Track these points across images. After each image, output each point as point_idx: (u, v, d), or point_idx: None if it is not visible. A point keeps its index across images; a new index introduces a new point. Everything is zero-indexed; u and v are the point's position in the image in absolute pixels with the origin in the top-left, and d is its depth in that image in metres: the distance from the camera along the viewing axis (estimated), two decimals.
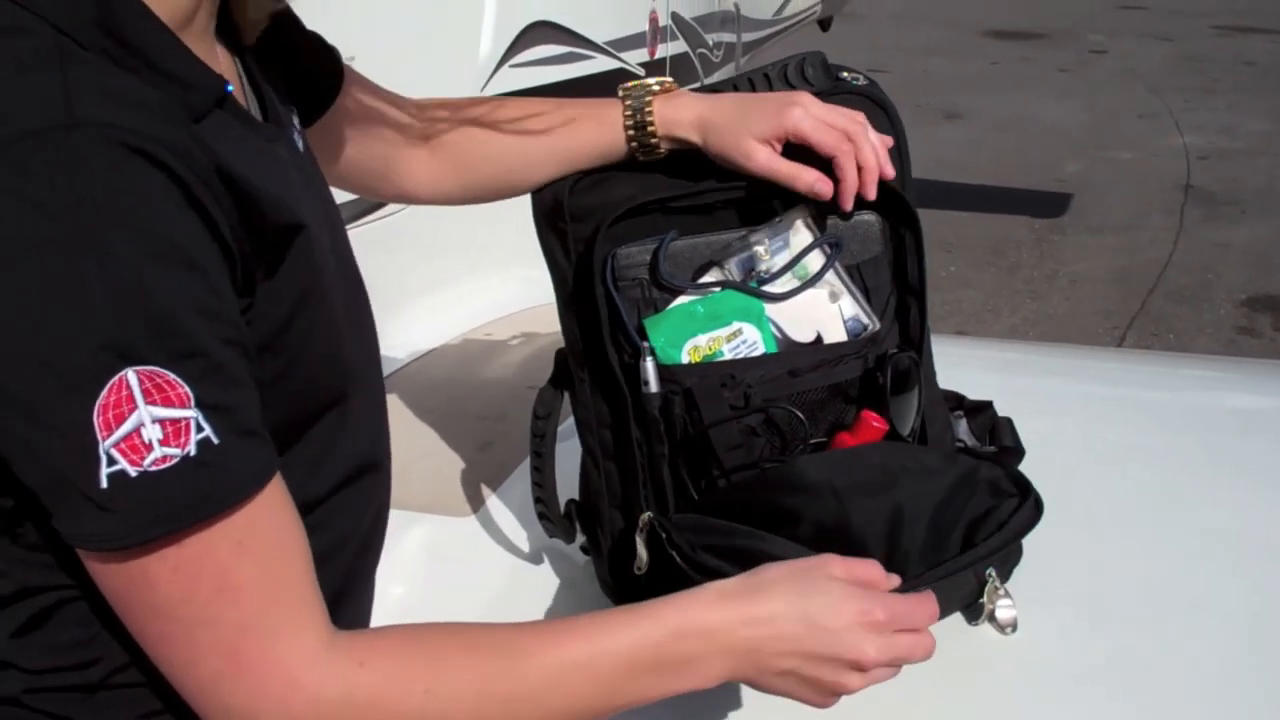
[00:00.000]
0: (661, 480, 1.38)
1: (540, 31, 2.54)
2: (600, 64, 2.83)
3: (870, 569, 1.12)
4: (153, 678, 1.02)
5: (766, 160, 1.35)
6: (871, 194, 1.36)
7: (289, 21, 1.27)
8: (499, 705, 1.02)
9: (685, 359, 1.35)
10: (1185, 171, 9.27)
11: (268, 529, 0.95)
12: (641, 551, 1.34)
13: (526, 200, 1.48)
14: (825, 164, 1.36)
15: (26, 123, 0.85)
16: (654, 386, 1.35)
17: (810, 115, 1.35)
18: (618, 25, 2.97)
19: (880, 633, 1.06)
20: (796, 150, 1.36)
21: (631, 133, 1.39)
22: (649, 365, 1.35)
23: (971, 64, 12.28)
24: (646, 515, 1.35)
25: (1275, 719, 1.39)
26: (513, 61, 2.45)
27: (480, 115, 1.48)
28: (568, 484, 1.54)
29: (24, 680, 1.04)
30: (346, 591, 1.18)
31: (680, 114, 1.38)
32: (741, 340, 1.36)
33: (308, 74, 1.32)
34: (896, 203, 1.40)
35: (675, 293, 1.37)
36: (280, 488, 0.95)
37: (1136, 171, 9.24)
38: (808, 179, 1.35)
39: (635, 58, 3.06)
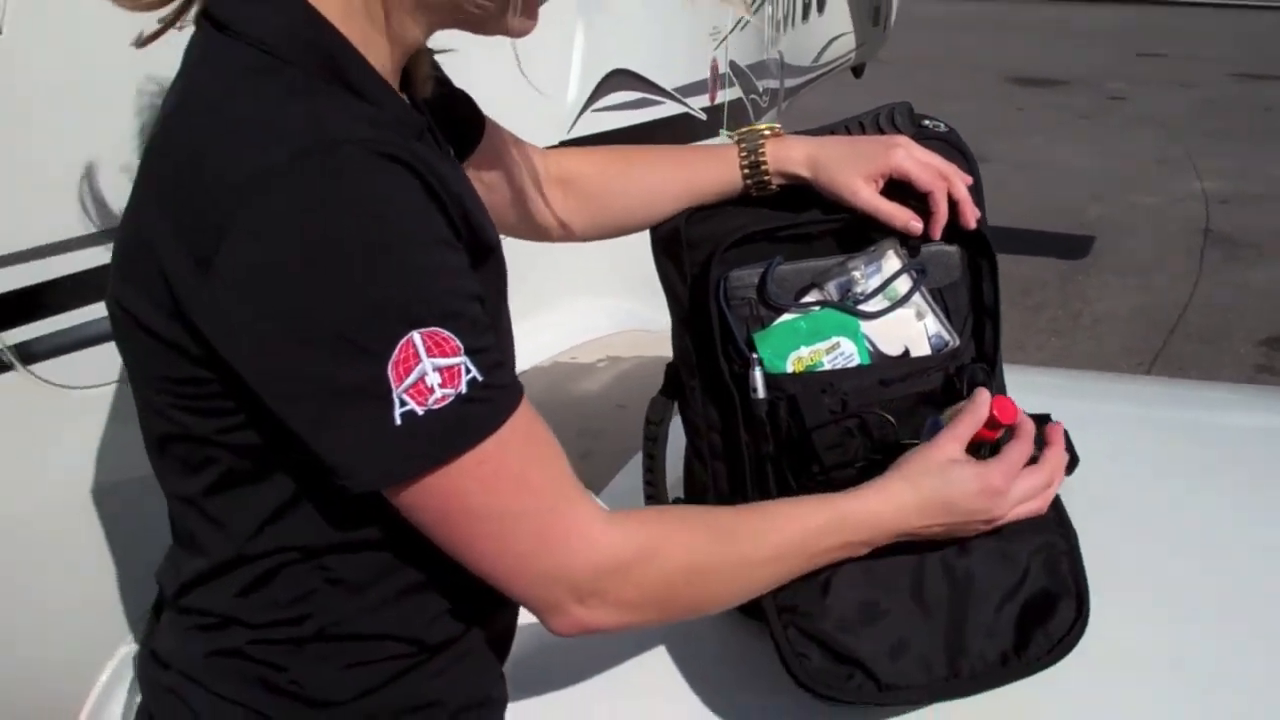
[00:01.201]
0: (765, 477, 1.55)
1: (619, 79, 2.74)
2: (669, 109, 3.03)
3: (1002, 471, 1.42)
4: (357, 632, 1.23)
5: (870, 197, 1.55)
6: (971, 225, 1.57)
7: (442, 78, 1.47)
8: (737, 568, 1.31)
9: (790, 369, 1.53)
10: (1204, 215, 9.41)
11: (537, 432, 1.16)
12: None
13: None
14: (916, 201, 1.56)
15: (303, 141, 1.04)
16: (761, 393, 1.53)
17: (912, 156, 1.55)
18: (684, 73, 3.17)
19: (1001, 496, 1.41)
20: (890, 186, 1.56)
21: (747, 170, 1.59)
22: (757, 374, 1.53)
23: (996, 109, 12.46)
24: None
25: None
26: (595, 106, 2.65)
27: (611, 160, 1.68)
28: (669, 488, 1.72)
29: (247, 634, 1.23)
30: None
31: (792, 153, 1.58)
32: (839, 353, 1.54)
33: (457, 123, 1.51)
34: (974, 236, 1.60)
35: (780, 311, 1.55)
36: (529, 403, 1.15)
37: (1157, 215, 9.39)
38: (904, 217, 1.55)
39: (698, 103, 3.26)
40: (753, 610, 1.47)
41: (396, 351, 1.04)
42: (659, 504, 1.68)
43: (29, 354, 1.49)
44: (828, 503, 1.38)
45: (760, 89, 4.13)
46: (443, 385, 1.05)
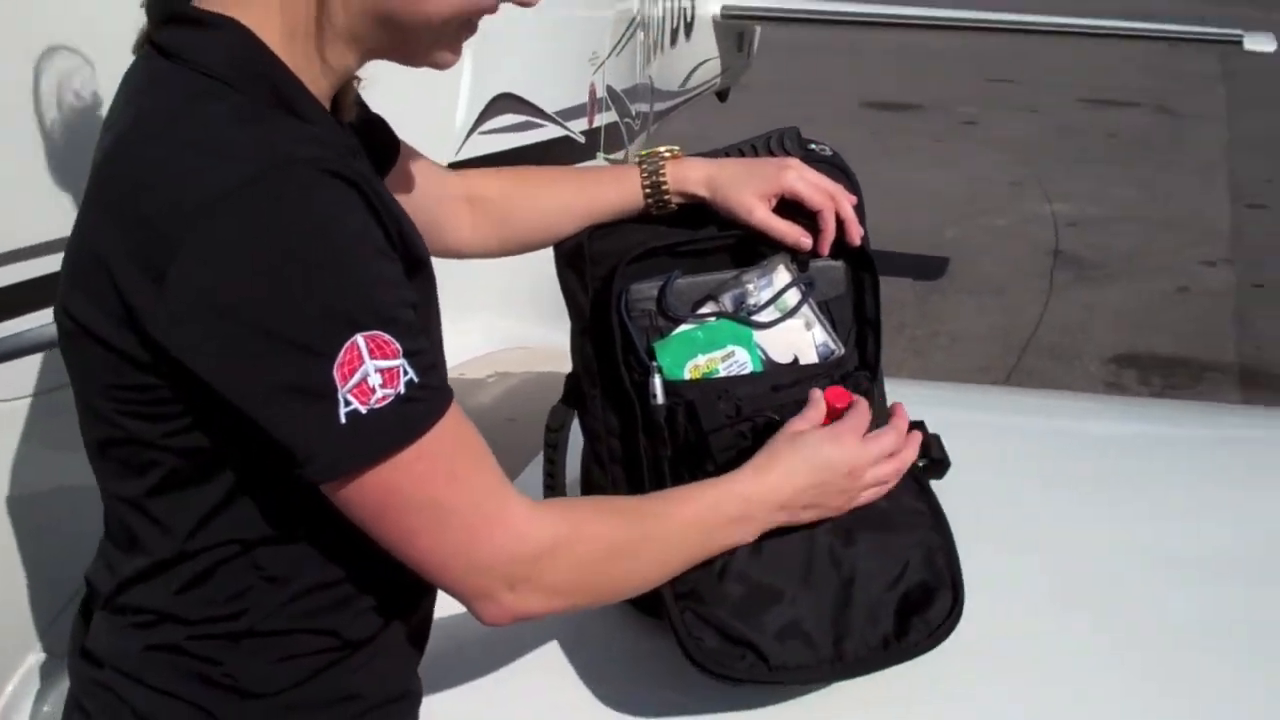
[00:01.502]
0: (663, 479, 1.62)
1: (504, 102, 2.82)
2: (551, 132, 3.12)
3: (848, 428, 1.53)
4: (287, 628, 1.29)
5: (764, 216, 1.65)
6: (856, 242, 1.68)
7: (361, 103, 1.54)
8: (649, 546, 1.42)
9: (687, 376, 1.61)
10: (1054, 237, 9.75)
11: (466, 431, 1.24)
12: None
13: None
14: (805, 220, 1.66)
15: (253, 163, 1.11)
16: (661, 399, 1.61)
17: (803, 178, 1.65)
18: (564, 97, 3.26)
19: (852, 449, 1.52)
20: (782, 205, 1.66)
21: (648, 190, 1.68)
22: (657, 381, 1.61)
23: (851, 133, 12.64)
24: None
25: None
26: (481, 129, 2.73)
27: (517, 180, 1.76)
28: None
29: (184, 630, 1.30)
30: None
31: (691, 173, 1.67)
32: (734, 361, 1.63)
33: (375, 146, 1.57)
34: (858, 252, 1.70)
35: (678, 322, 1.63)
36: (457, 404, 1.23)
37: (1009, 236, 9.72)
38: (794, 234, 1.65)
39: (577, 126, 3.36)
40: (653, 608, 1.57)
41: (342, 354, 1.12)
42: None
43: None
44: (713, 483, 1.50)
45: (633, 113, 4.23)
46: (383, 386, 1.13)
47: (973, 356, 7.23)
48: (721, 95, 7.28)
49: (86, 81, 1.62)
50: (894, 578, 1.60)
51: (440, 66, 1.31)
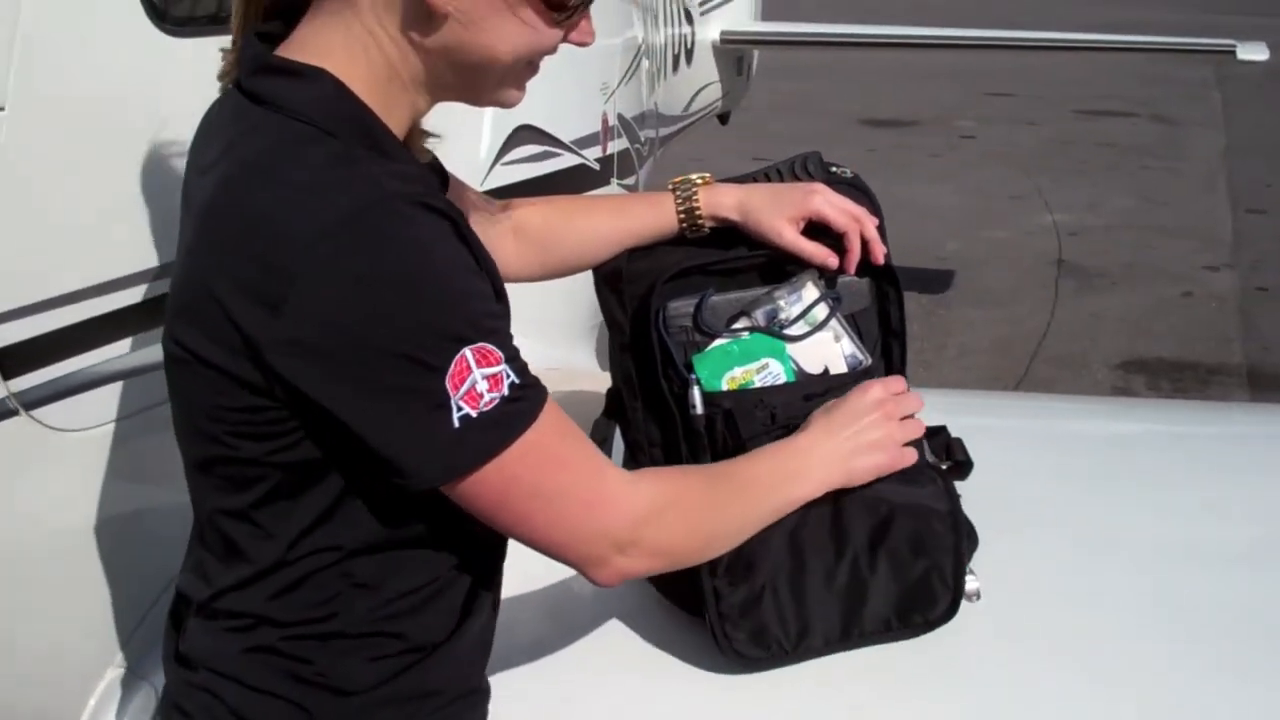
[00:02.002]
0: None
1: (525, 134, 2.92)
2: (568, 161, 3.22)
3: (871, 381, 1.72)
4: (375, 630, 1.40)
5: (793, 237, 1.76)
6: (880, 261, 1.79)
7: None
8: (730, 506, 1.58)
9: (724, 387, 1.72)
10: (1057, 247, 9.84)
11: (563, 420, 1.35)
12: None
13: None
14: (831, 240, 1.77)
15: (355, 200, 1.21)
16: (699, 409, 1.71)
17: (829, 202, 1.76)
18: (579, 126, 3.36)
19: (875, 392, 1.70)
20: (809, 226, 1.77)
21: (682, 215, 1.79)
22: (696, 392, 1.71)
23: (850, 151, 12.71)
24: None
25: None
26: (504, 160, 2.83)
27: (558, 209, 1.87)
28: None
29: (278, 632, 1.39)
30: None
31: (723, 199, 1.78)
32: (768, 372, 1.73)
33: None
34: (882, 269, 1.81)
35: (713, 336, 1.74)
36: (551, 397, 1.34)
37: (1012, 248, 9.80)
38: (822, 255, 1.77)
39: (592, 154, 3.45)
40: (693, 606, 1.71)
41: (452, 366, 1.22)
42: None
43: (31, 400, 1.62)
44: (773, 445, 1.67)
45: (642, 139, 4.33)
46: (489, 390, 1.24)
47: (982, 367, 7.32)
48: (723, 118, 7.38)
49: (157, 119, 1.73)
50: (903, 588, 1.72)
51: (506, 105, 1.43)
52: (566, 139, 3.21)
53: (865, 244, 1.78)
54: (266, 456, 1.31)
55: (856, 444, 1.67)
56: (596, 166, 3.50)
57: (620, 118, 3.85)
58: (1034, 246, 9.88)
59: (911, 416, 1.73)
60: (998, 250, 9.74)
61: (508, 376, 1.26)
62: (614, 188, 3.70)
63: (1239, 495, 2.17)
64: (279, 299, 1.20)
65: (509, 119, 2.84)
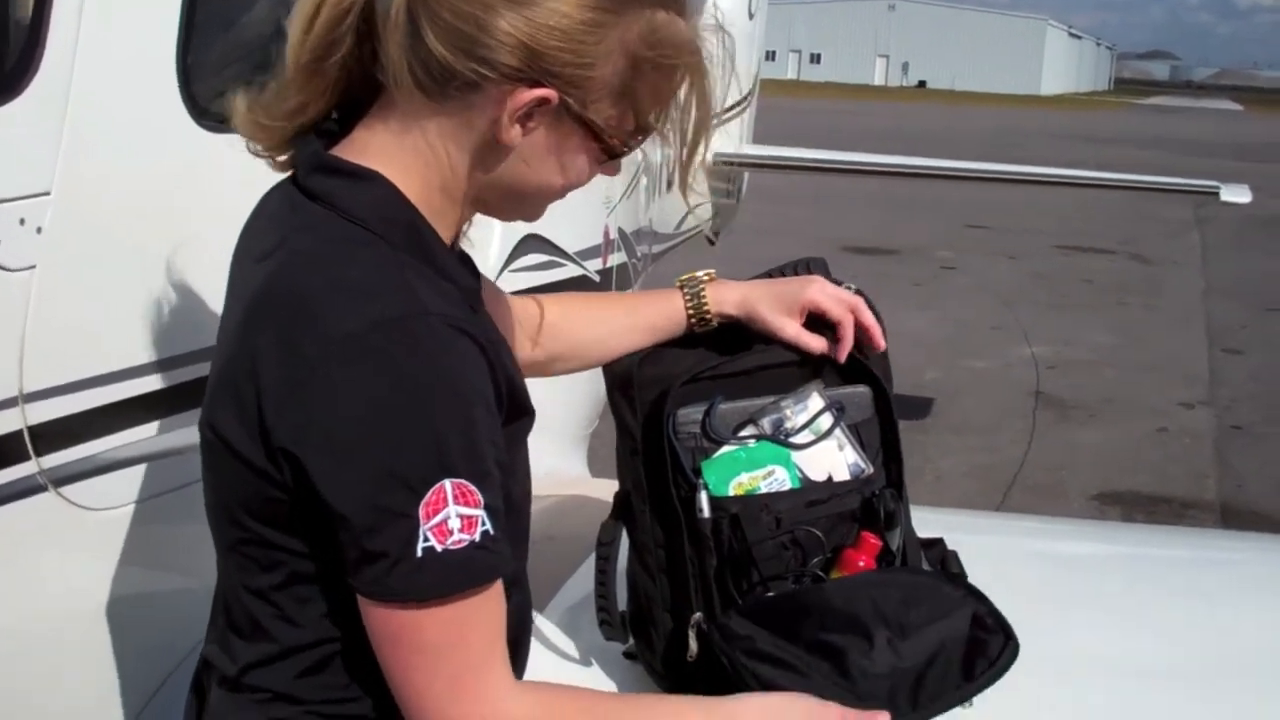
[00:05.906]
0: (709, 587, 1.77)
1: (532, 243, 3.00)
2: (570, 271, 3.29)
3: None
4: (384, 715, 1.43)
5: (795, 332, 1.83)
6: (881, 346, 1.86)
7: None
8: None
9: (731, 492, 1.77)
10: (1035, 379, 9.95)
11: (499, 599, 1.36)
12: (692, 644, 1.75)
13: None
14: (830, 331, 1.84)
15: (393, 308, 1.28)
16: (707, 513, 1.75)
17: (824, 292, 1.84)
18: (583, 238, 3.45)
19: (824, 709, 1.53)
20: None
21: (691, 311, 1.85)
22: (703, 496, 1.76)
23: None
24: (697, 615, 1.76)
25: None
26: (512, 267, 2.90)
27: (574, 304, 1.93)
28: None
29: (301, 708, 1.44)
30: (522, 639, 1.58)
31: (728, 295, 1.85)
32: (774, 478, 1.78)
33: None
34: (873, 376, 1.89)
35: (721, 443, 1.79)
36: None
37: (991, 378, 9.92)
38: (821, 346, 1.83)
39: (594, 265, 3.53)
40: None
41: (430, 493, 1.26)
42: (610, 617, 1.89)
43: (60, 478, 1.67)
44: (682, 701, 1.62)
45: (638, 254, 4.42)
46: (461, 530, 1.27)
47: (959, 494, 7.35)
48: (712, 239, 7.48)
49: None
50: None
51: (530, 220, 1.52)
52: (571, 249, 3.29)
53: (864, 332, 1.85)
54: (286, 543, 1.37)
55: None
56: (597, 279, 3.57)
57: (620, 231, 3.94)
58: (1013, 378, 10.00)
59: None
60: (977, 380, 9.87)
61: (483, 524, 1.28)
62: None
63: (1214, 615, 2.22)
64: (299, 385, 1.27)
65: (518, 227, 2.91)
